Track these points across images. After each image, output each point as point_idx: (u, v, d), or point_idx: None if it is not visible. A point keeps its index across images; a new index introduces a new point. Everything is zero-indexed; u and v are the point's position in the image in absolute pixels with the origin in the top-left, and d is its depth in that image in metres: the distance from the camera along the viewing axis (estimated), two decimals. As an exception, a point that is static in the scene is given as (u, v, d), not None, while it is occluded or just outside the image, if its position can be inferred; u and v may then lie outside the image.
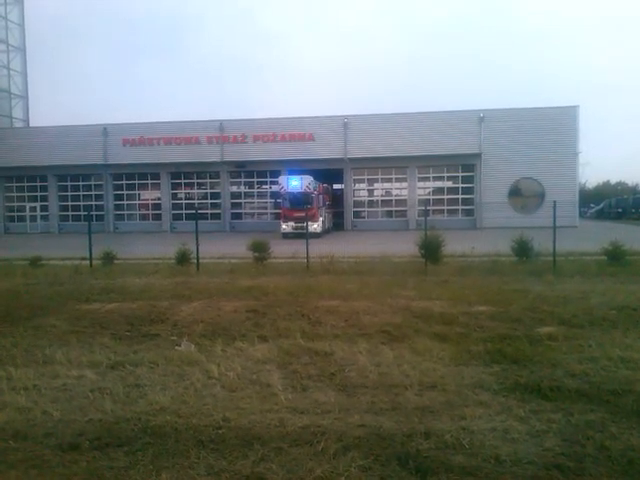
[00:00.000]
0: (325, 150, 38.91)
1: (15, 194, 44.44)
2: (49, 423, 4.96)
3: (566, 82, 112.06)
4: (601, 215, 57.37)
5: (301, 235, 21.76)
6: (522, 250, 15.72)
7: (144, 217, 43.92)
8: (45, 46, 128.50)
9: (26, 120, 52.68)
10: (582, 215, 47.26)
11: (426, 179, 40.39)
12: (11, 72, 51.25)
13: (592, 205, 65.67)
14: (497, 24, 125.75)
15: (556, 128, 37.11)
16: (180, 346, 7.45)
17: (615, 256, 14.86)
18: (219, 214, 41.55)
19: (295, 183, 32.64)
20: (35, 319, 9.35)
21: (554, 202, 16.20)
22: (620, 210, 53.39)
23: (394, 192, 41.24)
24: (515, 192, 38.09)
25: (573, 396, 5.30)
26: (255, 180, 42.11)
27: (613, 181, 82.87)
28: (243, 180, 42.47)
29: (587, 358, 6.48)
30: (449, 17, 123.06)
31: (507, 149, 37.36)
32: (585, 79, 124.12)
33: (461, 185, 39.43)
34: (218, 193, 41.94)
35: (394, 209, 40.70)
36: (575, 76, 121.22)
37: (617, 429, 4.55)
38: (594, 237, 19.01)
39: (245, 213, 42.62)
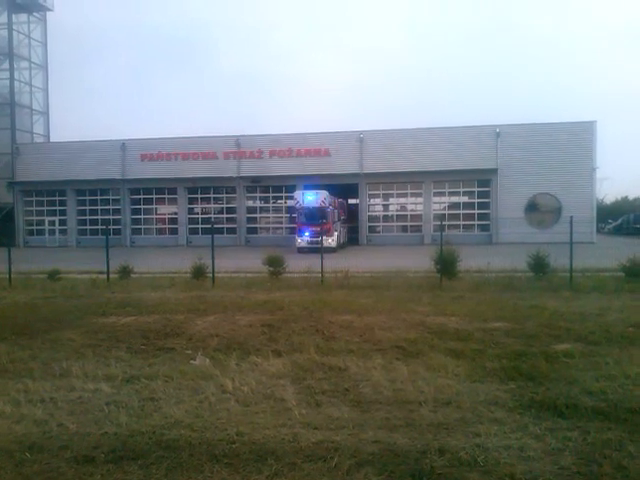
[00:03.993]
0: (341, 165, 39.16)
1: (34, 208, 45.13)
2: (65, 436, 5.00)
3: (585, 96, 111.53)
4: (619, 231, 56.77)
5: (316, 250, 21.77)
6: (538, 266, 15.60)
7: (161, 231, 44.33)
8: (64, 63, 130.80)
9: (47, 135, 53.46)
10: (600, 231, 46.82)
11: (442, 194, 40.31)
12: (33, 89, 52.14)
13: (610, 221, 65.02)
14: (512, 38, 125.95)
15: (573, 143, 37.00)
16: (195, 360, 7.48)
17: (633, 273, 14.69)
18: (235, 228, 41.77)
19: (310, 198, 32.75)
20: (52, 332, 9.46)
21: (571, 218, 16.07)
22: (638, 226, 52.73)
23: (409, 207, 41.26)
24: (532, 207, 37.85)
25: (590, 414, 5.23)
26: (271, 195, 42.35)
27: (632, 197, 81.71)
28: (259, 195, 42.73)
29: (604, 376, 6.40)
30: (463, 31, 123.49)
31: (524, 164, 37.26)
32: (604, 93, 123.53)
33: (477, 200, 39.30)
34: (234, 208, 42.22)
35: (409, 224, 40.64)
36: (594, 90, 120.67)
37: (635, 448, 4.48)
38: (611, 253, 18.79)
39: (260, 228, 42.83)
